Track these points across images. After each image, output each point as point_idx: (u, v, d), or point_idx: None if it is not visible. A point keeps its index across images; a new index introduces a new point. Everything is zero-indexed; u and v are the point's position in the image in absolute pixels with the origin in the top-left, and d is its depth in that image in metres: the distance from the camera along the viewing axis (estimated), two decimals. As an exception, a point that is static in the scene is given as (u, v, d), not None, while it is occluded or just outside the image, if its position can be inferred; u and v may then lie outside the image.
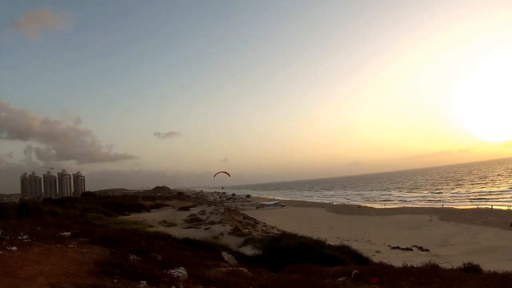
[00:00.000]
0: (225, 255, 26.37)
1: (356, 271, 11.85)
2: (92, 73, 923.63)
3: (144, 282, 10.27)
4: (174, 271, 11.95)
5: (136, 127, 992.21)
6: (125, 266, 11.21)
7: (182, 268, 12.18)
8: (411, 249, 67.83)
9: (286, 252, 18.43)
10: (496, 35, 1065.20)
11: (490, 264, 45.14)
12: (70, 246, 14.42)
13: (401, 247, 69.15)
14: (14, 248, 12.80)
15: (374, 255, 55.67)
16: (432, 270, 13.02)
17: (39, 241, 14.80)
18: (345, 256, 22.20)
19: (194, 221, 72.77)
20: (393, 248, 69.76)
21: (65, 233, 17.86)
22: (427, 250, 66.62)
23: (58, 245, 14.16)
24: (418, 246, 70.01)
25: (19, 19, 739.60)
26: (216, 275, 13.00)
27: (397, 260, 47.11)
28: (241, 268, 16.10)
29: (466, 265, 20.37)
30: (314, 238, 38.21)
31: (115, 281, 10.17)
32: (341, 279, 11.54)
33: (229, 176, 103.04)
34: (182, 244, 24.77)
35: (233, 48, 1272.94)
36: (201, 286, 11.59)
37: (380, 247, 69.60)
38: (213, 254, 23.79)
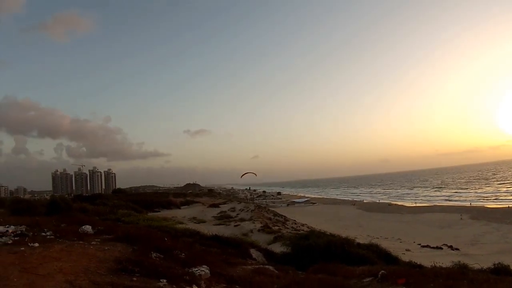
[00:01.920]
0: (253, 252, 26.02)
1: (383, 271, 11.35)
2: (122, 73, 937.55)
3: (164, 280, 10.05)
4: (196, 269, 11.68)
5: (166, 125, 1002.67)
6: (145, 264, 11.02)
7: (205, 266, 11.90)
8: (441, 248, 66.91)
9: (313, 250, 18.00)
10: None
11: None
12: (93, 243, 14.36)
13: (431, 246, 68.24)
14: (36, 244, 12.81)
15: (404, 254, 54.83)
16: (460, 272, 12.42)
17: (62, 238, 14.76)
18: (374, 255, 21.63)
19: (224, 218, 72.61)
20: (423, 246, 68.87)
21: (88, 229, 17.78)
22: (457, 249, 65.60)
23: (81, 242, 14.12)
24: (448, 245, 68.92)
25: (47, 22, 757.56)
26: (241, 274, 12.70)
27: (426, 259, 46.33)
28: (267, 266, 15.78)
29: (496, 266, 19.87)
30: (343, 237, 37.71)
31: (134, 279, 9.99)
32: (367, 279, 11.09)
33: (256, 176, 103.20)
34: (210, 241, 24.62)
35: (263, 51, 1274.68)
36: (224, 285, 11.31)
37: (410, 246, 68.72)
38: (241, 251, 23.54)
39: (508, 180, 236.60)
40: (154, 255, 12.88)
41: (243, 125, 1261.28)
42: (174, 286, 9.86)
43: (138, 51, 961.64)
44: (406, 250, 61.70)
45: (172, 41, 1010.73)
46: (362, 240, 60.39)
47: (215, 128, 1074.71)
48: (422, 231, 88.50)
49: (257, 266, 15.16)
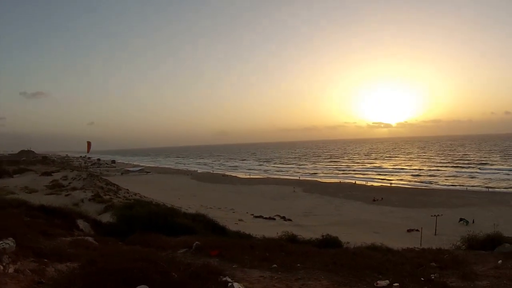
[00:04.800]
0: (81, 223, 24.96)
1: (198, 242, 11.42)
2: None
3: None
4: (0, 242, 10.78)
5: (0, 85, 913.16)
6: None
7: (11, 239, 10.97)
8: (273, 219, 69.75)
9: (136, 221, 17.72)
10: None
11: (356, 236, 47.46)
12: None
13: (264, 216, 70.89)
14: None
15: (237, 223, 56.72)
16: (278, 244, 12.84)
17: None
18: (201, 225, 21.92)
19: (56, 187, 70.24)
20: (256, 217, 71.42)
21: None
22: (289, 220, 68.82)
23: None
24: (281, 215, 72.17)
25: None
26: (55, 246, 11.95)
27: (258, 229, 48.06)
28: (87, 238, 15.09)
29: (324, 237, 20.67)
30: (169, 206, 37.79)
31: None
32: (181, 251, 11.08)
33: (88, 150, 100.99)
34: (37, 211, 23.15)
35: (107, 13, 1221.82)
36: (32, 259, 10.57)
37: (243, 216, 70.87)
38: (67, 222, 22.54)
39: (339, 157, 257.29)
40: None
41: (82, 89, 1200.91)
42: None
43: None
44: (239, 220, 63.36)
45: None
46: (195, 209, 60.98)
47: (53, 90, 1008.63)
48: (255, 202, 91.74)
49: (76, 238, 14.47)
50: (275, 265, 9.95)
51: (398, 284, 8.49)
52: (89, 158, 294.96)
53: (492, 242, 14.06)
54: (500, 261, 9.49)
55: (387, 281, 8.68)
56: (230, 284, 7.20)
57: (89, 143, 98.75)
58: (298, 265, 10.05)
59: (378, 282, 8.72)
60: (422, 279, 8.79)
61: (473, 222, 62.09)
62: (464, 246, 15.40)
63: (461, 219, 64.26)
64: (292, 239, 21.92)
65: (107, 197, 58.70)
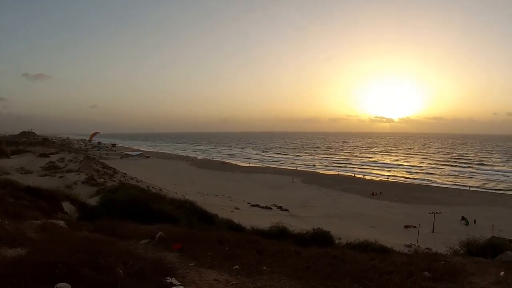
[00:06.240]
0: (66, 206, 24.14)
1: (161, 233, 10.43)
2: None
3: None
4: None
5: (3, 67, 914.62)
6: None
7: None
8: (270, 208, 68.91)
9: (114, 205, 16.80)
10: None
11: (351, 229, 46.86)
12: None
13: (261, 205, 70.04)
14: None
15: (233, 212, 55.79)
16: (250, 240, 11.51)
17: None
18: (187, 212, 20.95)
19: (51, 169, 69.41)
20: (253, 205, 70.54)
21: None
22: (286, 210, 68.05)
23: None
24: (278, 205, 71.39)
25: None
26: (17, 229, 11.05)
27: (253, 218, 47.18)
28: (58, 222, 14.13)
29: (315, 230, 20.01)
30: (156, 192, 36.78)
31: None
32: (144, 241, 10.13)
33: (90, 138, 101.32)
34: (23, 193, 22.32)
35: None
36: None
37: (239, 204, 70.11)
38: (52, 204, 21.74)
39: (339, 150, 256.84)
40: None
41: (83, 71, 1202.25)
42: None
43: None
44: (235, 208, 62.40)
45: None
46: (192, 196, 60.14)
47: (56, 72, 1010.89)
48: (253, 190, 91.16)
49: (45, 221, 13.56)
50: (237, 266, 8.59)
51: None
52: (89, 141, 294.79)
53: (493, 249, 12.98)
54: (502, 273, 8.25)
55: (368, 296, 7.34)
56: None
57: (95, 134, 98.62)
58: (264, 268, 8.61)
59: None
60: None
61: (475, 222, 61.17)
62: (462, 251, 14.30)
63: (462, 218, 63.23)
64: (282, 231, 21.00)
65: (101, 180, 57.87)
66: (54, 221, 14.52)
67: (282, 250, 10.62)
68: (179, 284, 6.51)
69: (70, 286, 5.48)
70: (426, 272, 8.01)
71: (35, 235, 10.84)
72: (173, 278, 6.73)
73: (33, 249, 7.51)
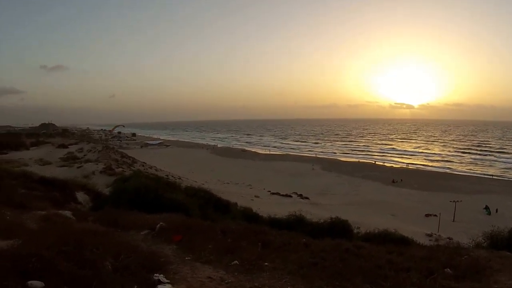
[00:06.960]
0: (80, 195, 24.08)
1: (162, 223, 9.89)
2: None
3: None
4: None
5: (21, 60, 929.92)
6: None
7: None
8: (290, 196, 68.50)
9: (124, 194, 16.37)
10: None
11: (371, 217, 46.45)
12: None
13: (281, 193, 69.72)
14: None
15: (253, 200, 55.46)
16: (257, 231, 10.72)
17: None
18: (201, 201, 20.44)
19: (70, 160, 68.90)
20: (273, 193, 70.23)
21: None
22: (306, 198, 67.50)
23: None
24: (298, 193, 70.90)
25: None
26: (16, 220, 10.66)
27: (273, 206, 46.85)
28: (64, 212, 13.84)
29: (332, 220, 19.62)
30: (170, 180, 36.33)
31: None
32: (144, 232, 9.62)
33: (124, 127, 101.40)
34: (36, 184, 22.16)
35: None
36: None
37: (260, 192, 69.83)
38: (65, 194, 21.52)
39: (359, 136, 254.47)
40: None
41: (100, 62, 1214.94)
42: None
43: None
44: (255, 196, 62.19)
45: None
46: (211, 184, 59.79)
47: (73, 64, 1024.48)
48: (273, 178, 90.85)
49: (49, 212, 13.19)
50: (236, 261, 7.87)
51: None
52: (110, 131, 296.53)
53: None
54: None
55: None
56: (160, 287, 5.67)
57: (117, 126, 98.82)
58: (266, 264, 7.81)
59: None
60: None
61: (496, 211, 59.78)
62: (485, 243, 13.40)
63: (485, 207, 61.82)
64: (299, 220, 20.53)
65: (119, 169, 57.82)
66: (60, 211, 14.19)
67: (290, 242, 9.90)
68: (167, 282, 6.00)
69: (43, 284, 4.97)
70: (448, 269, 7.18)
71: (35, 226, 10.50)
72: (162, 275, 6.19)
73: (25, 242, 7.07)
